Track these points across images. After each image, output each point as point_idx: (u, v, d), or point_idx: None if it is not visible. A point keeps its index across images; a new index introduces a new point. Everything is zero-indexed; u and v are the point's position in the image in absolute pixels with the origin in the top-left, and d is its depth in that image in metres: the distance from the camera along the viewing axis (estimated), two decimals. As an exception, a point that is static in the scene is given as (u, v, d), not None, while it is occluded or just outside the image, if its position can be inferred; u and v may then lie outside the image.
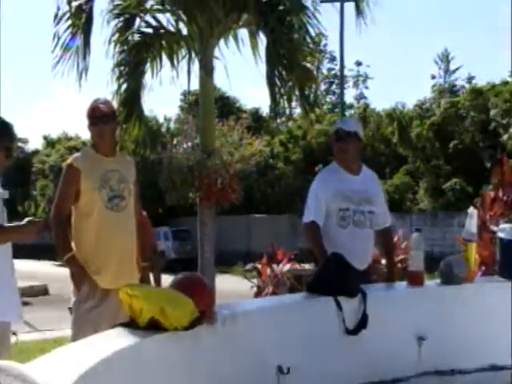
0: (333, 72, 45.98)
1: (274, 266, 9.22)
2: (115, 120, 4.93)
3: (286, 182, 30.90)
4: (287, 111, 9.22)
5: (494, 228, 6.36)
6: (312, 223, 5.06)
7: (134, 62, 8.74)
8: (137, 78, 9.02)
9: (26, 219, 3.91)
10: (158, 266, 5.67)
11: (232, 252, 26.23)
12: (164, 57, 8.84)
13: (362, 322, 4.57)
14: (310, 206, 5.09)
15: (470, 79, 39.49)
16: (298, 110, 12.56)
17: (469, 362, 4.99)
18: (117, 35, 8.53)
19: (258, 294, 8.86)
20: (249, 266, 12.01)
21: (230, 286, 12.50)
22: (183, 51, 8.80)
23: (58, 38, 8.29)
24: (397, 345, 4.75)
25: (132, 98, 8.98)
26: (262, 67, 8.48)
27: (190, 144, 9.90)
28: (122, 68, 8.78)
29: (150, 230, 6.90)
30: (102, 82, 8.82)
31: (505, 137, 29.36)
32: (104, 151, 4.72)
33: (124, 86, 8.95)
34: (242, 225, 31.56)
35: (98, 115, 4.67)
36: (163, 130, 36.22)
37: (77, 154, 4.92)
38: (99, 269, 4.57)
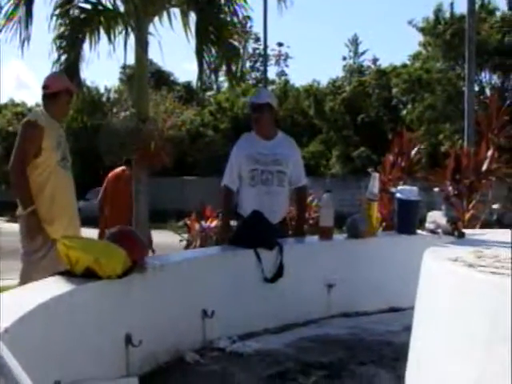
0: (257, 51, 45.69)
1: (203, 222, 9.19)
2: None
3: (215, 148, 30.77)
4: (214, 84, 9.13)
5: (393, 189, 6.45)
6: (224, 187, 5.13)
7: (73, 35, 8.48)
8: (76, 50, 8.73)
9: None
10: None
11: (166, 210, 25.99)
12: (102, 31, 8.59)
13: (279, 272, 4.60)
14: (226, 171, 5.15)
15: (375, 61, 39.81)
16: (226, 84, 12.45)
17: (371, 305, 5.10)
18: (58, 10, 8.26)
19: (187, 247, 8.81)
20: (181, 223, 11.91)
21: (164, 240, 12.33)
22: (120, 27, 8.56)
23: (1, 8, 7.95)
24: (309, 291, 4.80)
25: (71, 68, 8.69)
26: (194, 43, 8.38)
27: (127, 113, 9.72)
28: (62, 40, 8.51)
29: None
30: (45, 53, 8.49)
31: (404, 112, 30.03)
32: (60, 117, 4.67)
33: (64, 57, 8.69)
34: (176, 186, 31.39)
35: (73, 89, 4.75)
36: (104, 99, 35.45)
37: (37, 114, 4.75)
38: (53, 220, 4.47)
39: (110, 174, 8.09)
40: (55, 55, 8.49)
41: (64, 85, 4.65)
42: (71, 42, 8.64)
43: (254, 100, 5.36)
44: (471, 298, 2.09)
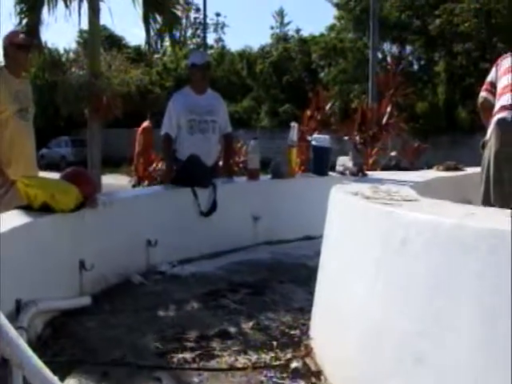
0: (198, 20, 44.49)
1: (155, 165, 9.03)
2: (30, 50, 4.56)
3: (161, 103, 30.13)
4: (159, 46, 8.88)
5: (309, 138, 6.47)
6: (165, 135, 4.90)
7: (32, 0, 8.07)
8: (35, 14, 8.32)
9: None
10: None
11: (119, 157, 25.47)
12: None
13: (213, 207, 4.59)
14: (165, 121, 4.91)
15: (297, 31, 39.35)
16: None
17: (291, 234, 5.14)
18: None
19: (134, 186, 8.68)
20: (132, 168, 11.74)
21: (116, 181, 12.18)
22: (74, -7, 8.17)
23: None
24: (238, 223, 4.82)
25: (31, 30, 8.30)
26: (141, 11, 8.16)
27: (85, 72, 9.38)
28: (22, 5, 8.09)
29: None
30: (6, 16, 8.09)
31: (321, 74, 30.17)
32: (17, 73, 4.33)
33: (24, 21, 8.27)
34: (127, 136, 30.71)
35: (27, 44, 4.32)
36: (63, 59, 33.98)
37: None
38: (10, 164, 4.25)
39: (140, 129, 7.50)
40: (17, 19, 8.14)
41: (9, 40, 4.27)
42: (31, 7, 8.23)
43: (206, 58, 5.11)
44: (367, 223, 2.13)
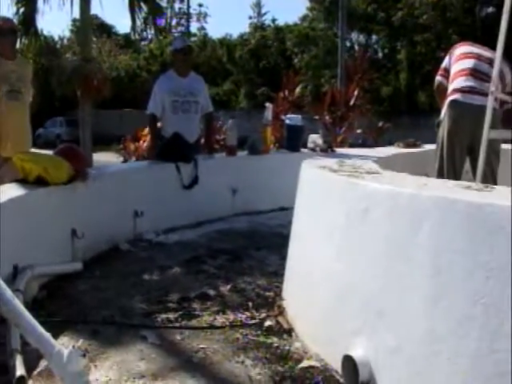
0: (182, 10, 43.75)
1: (137, 143, 8.92)
2: (13, 34, 4.34)
3: (148, 86, 29.63)
4: (144, 34, 8.77)
5: (283, 117, 6.44)
6: (150, 115, 4.81)
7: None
8: (31, 4, 8.12)
9: None
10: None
11: (109, 136, 25.09)
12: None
13: (195, 180, 4.54)
14: (150, 102, 4.81)
15: (274, 20, 39.03)
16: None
17: (266, 205, 5.12)
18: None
19: (123, 162, 8.57)
20: (121, 146, 11.55)
21: (106, 158, 11.98)
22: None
23: None
24: (218, 195, 4.78)
25: (28, 19, 8.13)
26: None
27: (78, 57, 9.18)
28: (18, -5, 7.93)
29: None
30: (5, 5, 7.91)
31: (296, 60, 30.05)
32: (6, 56, 4.18)
33: (21, 10, 8.07)
34: (117, 117, 30.26)
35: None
36: (58, 46, 33.19)
37: None
38: (1, 141, 4.13)
39: None
40: (14, 9, 7.97)
41: None
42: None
43: (187, 42, 5.05)
44: (334, 194, 2.12)
